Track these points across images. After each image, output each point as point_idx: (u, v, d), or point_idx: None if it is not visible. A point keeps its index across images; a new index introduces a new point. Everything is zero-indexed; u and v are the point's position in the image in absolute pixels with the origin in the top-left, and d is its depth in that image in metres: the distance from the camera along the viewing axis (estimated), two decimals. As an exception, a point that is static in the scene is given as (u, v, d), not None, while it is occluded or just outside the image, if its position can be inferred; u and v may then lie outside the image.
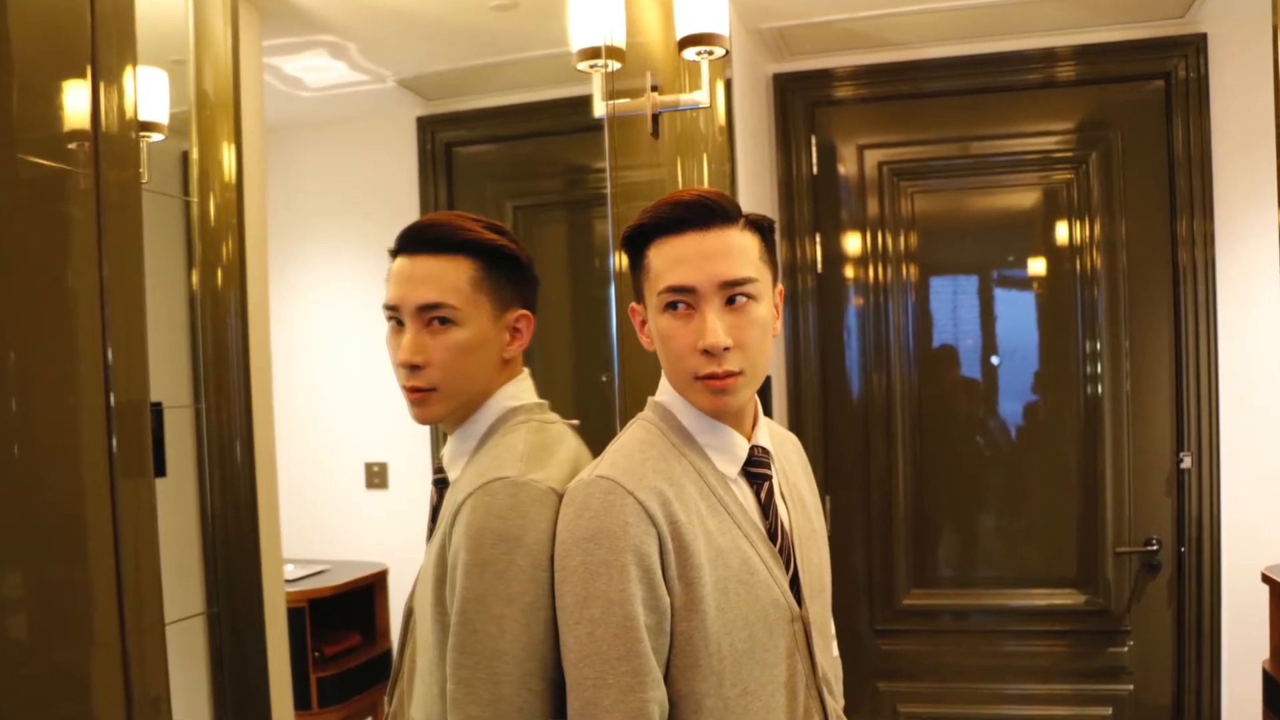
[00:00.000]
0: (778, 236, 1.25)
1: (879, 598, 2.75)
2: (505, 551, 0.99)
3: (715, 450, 1.09)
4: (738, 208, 1.07)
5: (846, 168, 2.75)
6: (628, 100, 1.81)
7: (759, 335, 1.05)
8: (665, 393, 1.12)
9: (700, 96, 1.83)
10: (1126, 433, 2.58)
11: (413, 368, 1.10)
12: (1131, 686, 2.61)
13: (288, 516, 1.70)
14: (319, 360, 1.96)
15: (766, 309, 1.07)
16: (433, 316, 1.10)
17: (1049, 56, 2.60)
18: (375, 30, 1.89)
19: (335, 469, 2.01)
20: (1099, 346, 2.60)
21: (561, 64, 1.80)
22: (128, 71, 0.87)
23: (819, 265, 2.76)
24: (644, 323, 1.11)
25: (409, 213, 2.01)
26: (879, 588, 2.75)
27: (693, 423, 1.09)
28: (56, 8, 0.81)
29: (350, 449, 2.01)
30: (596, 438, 1.20)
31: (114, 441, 0.83)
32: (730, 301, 1.04)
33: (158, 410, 1.41)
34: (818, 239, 2.76)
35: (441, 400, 1.12)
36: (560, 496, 1.03)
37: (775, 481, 1.13)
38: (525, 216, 2.18)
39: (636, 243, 1.09)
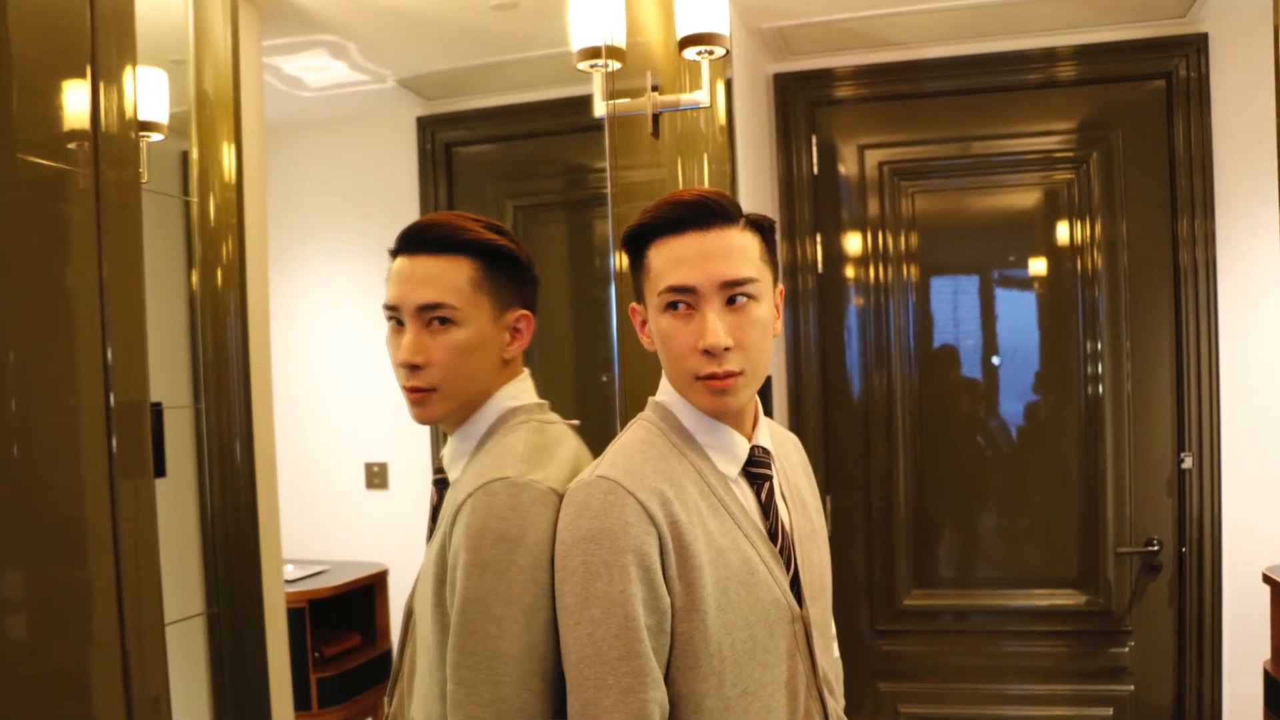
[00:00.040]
0: (778, 236, 1.24)
1: (880, 598, 2.75)
2: (505, 552, 0.99)
3: (716, 450, 1.09)
4: (738, 208, 1.07)
5: (847, 168, 2.75)
6: (628, 100, 1.81)
7: (759, 335, 1.05)
8: (666, 393, 1.12)
9: (701, 96, 1.83)
10: (1127, 433, 2.58)
11: (413, 368, 1.10)
12: (1132, 687, 2.61)
13: (288, 516, 1.70)
14: (319, 360, 1.96)
15: (767, 309, 1.06)
16: (433, 316, 1.10)
17: (1050, 56, 2.60)
18: (375, 30, 1.88)
19: (335, 469, 2.01)
20: (1100, 346, 2.60)
21: (562, 64, 1.80)
22: (127, 71, 0.87)
23: (819, 265, 2.76)
24: (644, 323, 1.11)
25: (409, 213, 2.01)
26: (880, 588, 2.75)
27: (693, 423, 1.09)
28: (56, 8, 0.81)
29: (350, 449, 2.01)
30: (597, 438, 1.20)
31: (114, 441, 0.83)
32: (731, 301, 1.04)
33: (158, 410, 1.41)
34: (818, 239, 2.76)
35: (441, 400, 1.12)
36: (560, 497, 1.03)
37: (776, 482, 1.13)
38: (525, 216, 2.18)
39: (637, 243, 1.09)
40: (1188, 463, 2.52)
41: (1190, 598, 2.53)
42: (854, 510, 2.75)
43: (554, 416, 1.19)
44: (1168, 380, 2.55)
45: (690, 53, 1.78)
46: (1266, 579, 2.20)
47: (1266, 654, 2.28)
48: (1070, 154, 2.62)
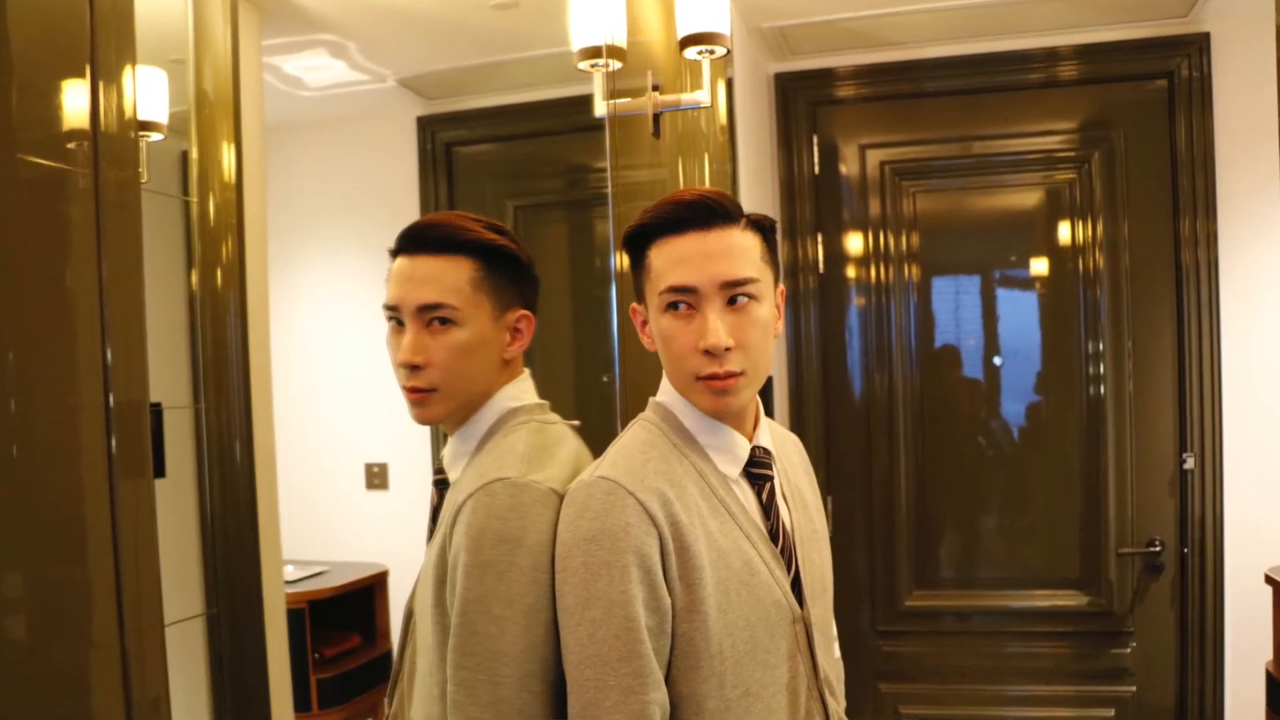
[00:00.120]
0: (779, 236, 1.25)
1: (881, 599, 2.74)
2: (506, 553, 0.99)
3: (717, 451, 1.09)
4: (739, 207, 1.07)
5: (848, 167, 2.75)
6: (629, 100, 1.81)
7: (760, 335, 1.05)
8: (666, 393, 1.11)
9: (701, 96, 1.83)
10: (1129, 433, 2.57)
11: (413, 368, 1.10)
12: (1134, 688, 2.60)
13: (287, 517, 1.70)
14: (319, 360, 1.95)
15: (768, 309, 1.06)
16: (433, 317, 1.10)
17: (1051, 56, 2.59)
18: (375, 30, 1.88)
19: (335, 469, 2.01)
20: (1101, 347, 2.60)
21: (562, 63, 1.80)
22: (127, 71, 0.86)
23: (820, 265, 2.75)
24: (645, 323, 1.11)
25: (409, 213, 2.01)
26: (881, 589, 2.74)
27: (694, 423, 1.09)
28: (56, 8, 0.81)
29: (350, 449, 2.01)
30: (597, 438, 1.20)
31: (113, 442, 0.83)
32: (732, 302, 1.04)
33: (157, 410, 1.41)
34: (819, 239, 2.75)
35: (442, 401, 1.12)
36: (561, 497, 1.03)
37: (777, 482, 1.13)
38: (526, 216, 2.18)
39: (638, 242, 1.09)
40: (1190, 463, 2.51)
41: (1192, 598, 2.53)
42: (855, 510, 2.74)
43: (554, 417, 1.19)
44: (1170, 380, 2.54)
45: (691, 52, 1.78)
46: (1269, 579, 2.20)
47: (1269, 655, 2.27)
48: (1072, 154, 2.62)
